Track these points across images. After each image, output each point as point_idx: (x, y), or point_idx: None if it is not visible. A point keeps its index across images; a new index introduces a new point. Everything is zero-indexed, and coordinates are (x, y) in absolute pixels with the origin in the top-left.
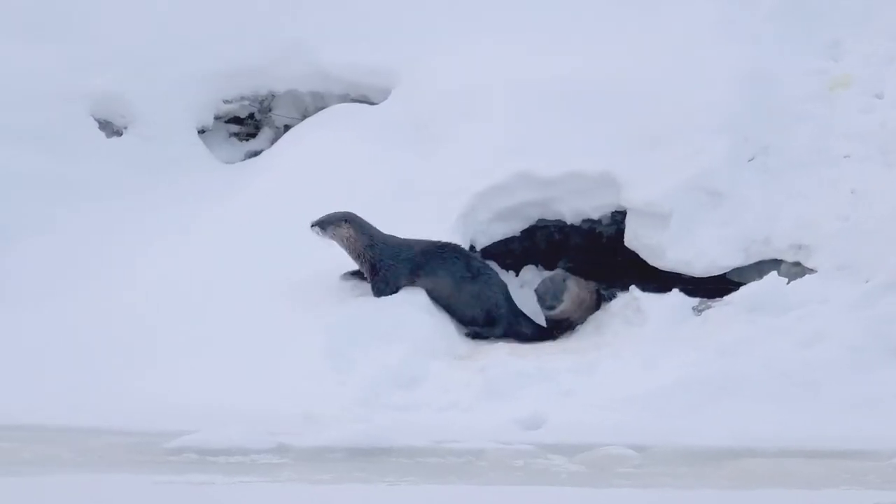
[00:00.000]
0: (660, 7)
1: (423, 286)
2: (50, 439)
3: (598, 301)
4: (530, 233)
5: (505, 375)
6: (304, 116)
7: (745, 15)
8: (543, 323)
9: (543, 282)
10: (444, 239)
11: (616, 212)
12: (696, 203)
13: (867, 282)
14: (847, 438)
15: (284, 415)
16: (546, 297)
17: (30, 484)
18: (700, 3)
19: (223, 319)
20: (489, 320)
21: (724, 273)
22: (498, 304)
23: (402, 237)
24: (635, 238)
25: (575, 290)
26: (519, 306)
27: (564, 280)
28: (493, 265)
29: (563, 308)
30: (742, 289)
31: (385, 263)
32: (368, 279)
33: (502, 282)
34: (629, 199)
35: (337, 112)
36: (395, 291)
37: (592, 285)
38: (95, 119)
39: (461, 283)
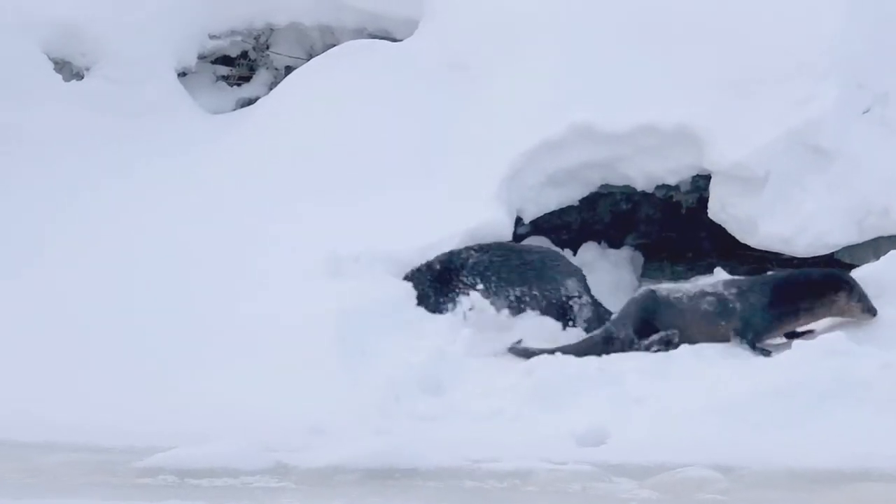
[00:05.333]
0: None
1: None
2: None
3: None
4: (591, 202)
5: (559, 378)
6: (310, 56)
7: None
8: None
9: None
10: (484, 210)
11: (697, 176)
12: (798, 165)
13: None
14: None
15: (284, 426)
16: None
17: None
18: None
19: (208, 301)
20: None
21: (833, 252)
22: None
23: None
24: (721, 209)
25: None
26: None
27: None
28: (545, 242)
29: None
30: (855, 272)
31: None
32: None
33: None
34: (714, 159)
35: (351, 50)
36: None
37: None
38: (50, 58)
39: None
